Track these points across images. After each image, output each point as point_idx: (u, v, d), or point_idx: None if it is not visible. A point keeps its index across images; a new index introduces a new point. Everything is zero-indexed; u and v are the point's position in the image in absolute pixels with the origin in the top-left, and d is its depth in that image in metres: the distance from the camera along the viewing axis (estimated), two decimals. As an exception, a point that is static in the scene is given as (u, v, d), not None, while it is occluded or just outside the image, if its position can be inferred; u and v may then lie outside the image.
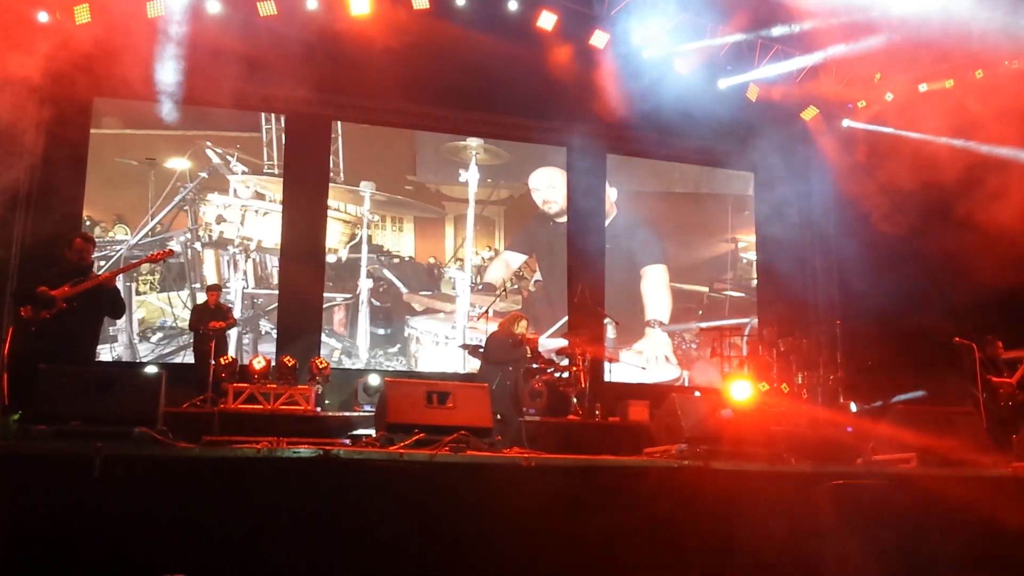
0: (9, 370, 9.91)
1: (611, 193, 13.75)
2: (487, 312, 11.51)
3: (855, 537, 5.00)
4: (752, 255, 14.22)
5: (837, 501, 5.07)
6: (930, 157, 10.93)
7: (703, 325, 13.56)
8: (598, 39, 11.96)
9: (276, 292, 11.96)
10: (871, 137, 12.79)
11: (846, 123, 13.26)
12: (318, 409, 10.04)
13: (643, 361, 13.25)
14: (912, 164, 11.17)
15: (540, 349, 11.18)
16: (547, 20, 11.61)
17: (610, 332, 12.88)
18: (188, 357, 10.69)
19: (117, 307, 7.08)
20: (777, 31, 12.02)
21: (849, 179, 12.99)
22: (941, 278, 11.35)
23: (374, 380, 10.85)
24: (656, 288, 13.64)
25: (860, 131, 13.08)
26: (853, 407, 11.08)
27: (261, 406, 9.67)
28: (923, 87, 12.00)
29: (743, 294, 14.09)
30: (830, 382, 11.48)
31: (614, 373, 12.51)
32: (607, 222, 13.64)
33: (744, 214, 14.38)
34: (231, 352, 10.54)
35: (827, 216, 13.77)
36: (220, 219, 11.95)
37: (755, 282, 14.13)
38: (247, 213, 12.06)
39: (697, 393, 11.19)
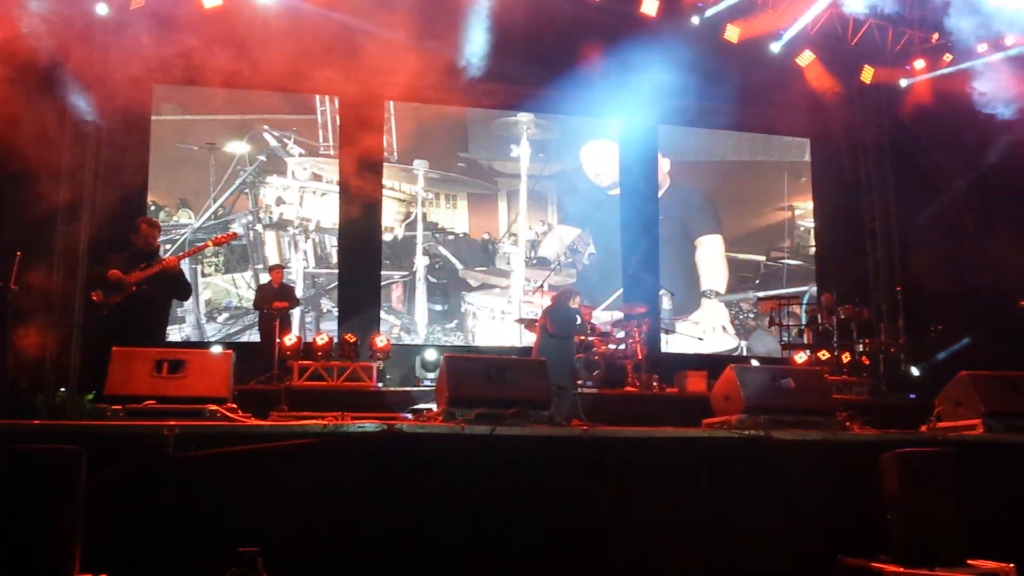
0: (83, 352, 10.33)
1: (664, 164, 13.64)
2: (542, 286, 11.55)
3: (919, 505, 4.95)
4: (810, 222, 14.01)
5: (901, 469, 5.02)
6: (992, 116, 10.64)
7: (760, 295, 13.44)
8: (649, 6, 11.84)
9: (336, 271, 12.17)
10: (931, 97, 12.46)
11: (904, 83, 12.93)
12: (379, 384, 10.21)
13: (700, 332, 13.19)
14: (974, 124, 10.90)
15: (595, 321, 11.19)
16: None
17: (666, 303, 12.84)
18: (254, 336, 10.95)
19: (183, 289, 7.27)
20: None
21: (908, 141, 12.71)
22: (1006, 240, 11.07)
23: (431, 355, 11.01)
24: (711, 258, 13.53)
25: (920, 91, 12.74)
26: (915, 372, 10.92)
27: (325, 382, 9.88)
28: (982, 47, 11.62)
29: (801, 262, 13.90)
30: (892, 349, 11.31)
31: (671, 344, 12.48)
32: (660, 193, 13.55)
33: (801, 181, 14.15)
34: (294, 330, 10.77)
35: (886, 180, 13.49)
36: (280, 201, 12.18)
37: (813, 249, 13.92)
38: (305, 194, 12.27)
39: (756, 363, 11.15)
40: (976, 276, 10.81)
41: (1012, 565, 4.73)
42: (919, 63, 12.55)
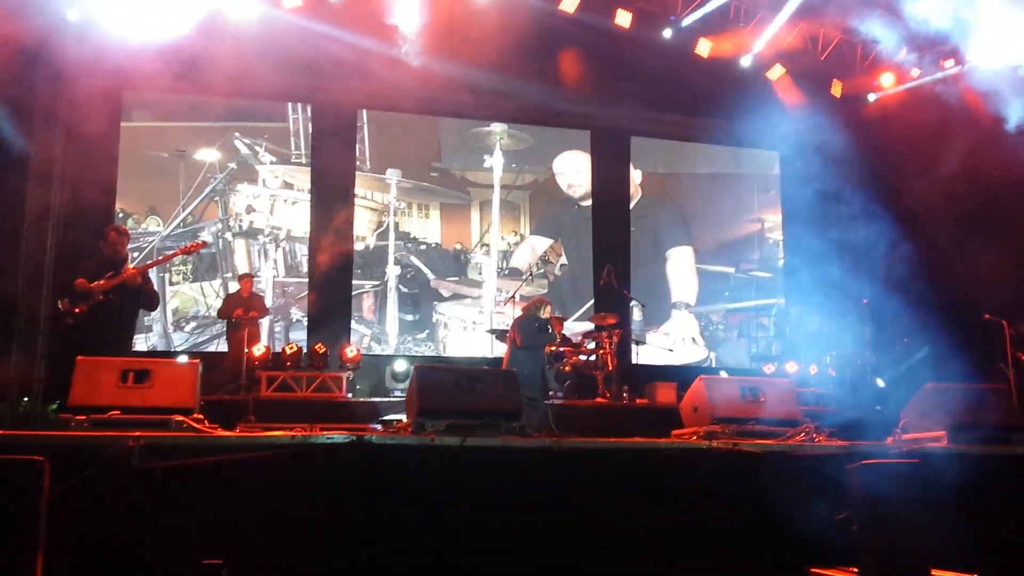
0: (48, 361, 10.18)
1: (635, 175, 13.72)
2: (513, 297, 11.57)
3: (884, 516, 5.00)
4: (778, 235, 14.15)
5: (866, 480, 5.06)
6: (958, 129, 10.81)
7: (730, 306, 13.53)
8: (622, 19, 11.92)
9: (306, 280, 12.10)
10: (898, 111, 12.62)
11: (872, 97, 13.10)
12: (349, 395, 10.16)
13: (670, 343, 13.25)
14: (942, 137, 11.06)
15: (567, 332, 11.22)
16: (569, 4, 11.58)
17: (636, 315, 12.89)
18: (222, 346, 10.85)
19: (150, 299, 7.19)
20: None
21: (877, 155, 12.87)
22: (971, 254, 11.23)
23: (400, 366, 10.97)
24: (682, 270, 13.62)
25: (887, 105, 12.90)
26: (881, 383, 11.04)
27: (294, 393, 9.81)
28: (949, 63, 11.81)
29: (770, 274, 14.03)
30: (859, 360, 11.42)
31: (641, 355, 12.52)
32: (632, 204, 13.62)
33: (770, 193, 14.29)
34: (263, 340, 10.69)
35: (854, 193, 13.65)
36: (250, 209, 12.09)
37: (782, 262, 14.06)
38: (276, 202, 12.20)
39: (724, 374, 11.22)
40: (944, 288, 10.97)
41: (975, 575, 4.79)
42: (887, 77, 12.71)
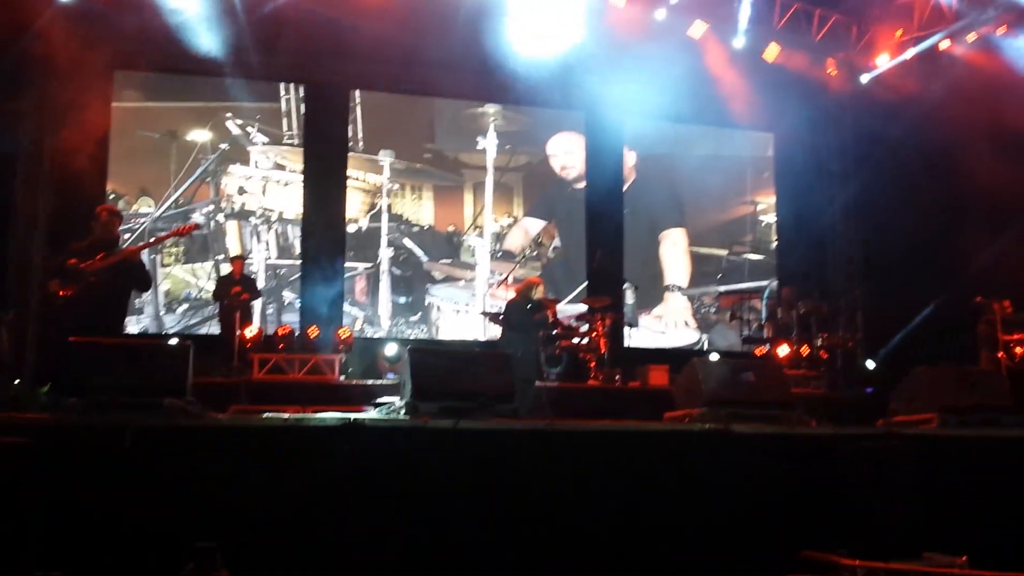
0: (39, 343, 10.14)
1: (629, 157, 13.68)
2: (507, 279, 11.55)
3: (875, 499, 5.03)
4: (771, 217, 14.14)
5: (858, 463, 5.09)
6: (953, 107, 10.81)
7: (722, 289, 13.54)
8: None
9: (298, 262, 12.06)
10: (894, 91, 12.58)
11: (865, 78, 13.03)
12: (341, 378, 10.15)
13: (662, 326, 13.27)
14: (937, 117, 11.07)
15: (560, 315, 11.22)
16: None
17: (629, 297, 12.89)
18: (214, 328, 10.83)
19: (143, 280, 7.18)
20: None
21: (871, 136, 12.85)
22: (970, 238, 11.23)
23: (391, 350, 10.93)
24: (675, 252, 13.61)
25: (884, 85, 12.84)
26: (870, 365, 11.07)
27: (286, 375, 9.80)
28: (945, 44, 11.77)
29: (762, 256, 14.03)
30: (850, 343, 11.45)
31: (633, 338, 12.53)
32: (625, 187, 13.59)
33: (764, 175, 14.27)
34: (255, 322, 10.66)
35: (848, 175, 13.64)
36: (242, 190, 12.04)
37: (774, 244, 14.05)
38: (268, 184, 12.14)
39: (716, 356, 11.24)
40: (936, 270, 11.00)
41: (964, 557, 4.83)
42: (883, 58, 12.66)
